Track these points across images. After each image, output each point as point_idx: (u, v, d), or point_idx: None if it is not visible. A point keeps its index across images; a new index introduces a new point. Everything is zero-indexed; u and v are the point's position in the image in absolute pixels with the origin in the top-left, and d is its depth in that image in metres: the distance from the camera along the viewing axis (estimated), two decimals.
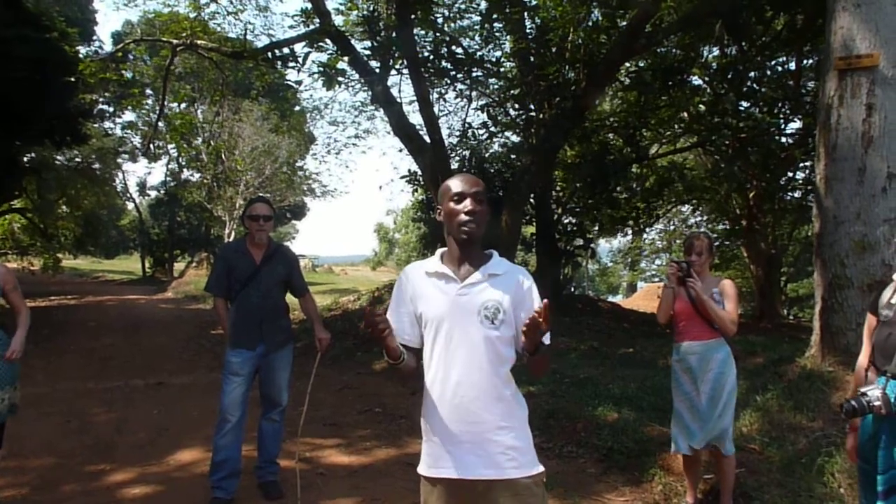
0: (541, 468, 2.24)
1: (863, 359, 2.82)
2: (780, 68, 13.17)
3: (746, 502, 4.19)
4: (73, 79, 13.44)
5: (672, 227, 22.61)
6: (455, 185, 2.26)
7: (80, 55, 15.82)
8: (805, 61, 12.45)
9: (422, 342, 2.30)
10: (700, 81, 13.39)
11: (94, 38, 24.41)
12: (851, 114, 5.84)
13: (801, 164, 13.65)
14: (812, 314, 6.51)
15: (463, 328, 2.18)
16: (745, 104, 12.42)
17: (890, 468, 2.52)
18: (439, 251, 2.36)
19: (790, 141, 13.02)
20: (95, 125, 25.06)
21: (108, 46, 29.25)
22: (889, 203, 5.69)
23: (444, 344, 2.21)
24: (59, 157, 24.78)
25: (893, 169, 5.68)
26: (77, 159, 26.48)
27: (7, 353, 3.71)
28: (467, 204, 2.21)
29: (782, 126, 13.01)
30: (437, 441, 2.22)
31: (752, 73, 12.61)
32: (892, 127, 5.70)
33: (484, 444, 2.17)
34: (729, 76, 12.13)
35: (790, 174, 14.57)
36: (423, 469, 2.29)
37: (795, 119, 12.99)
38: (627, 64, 12.11)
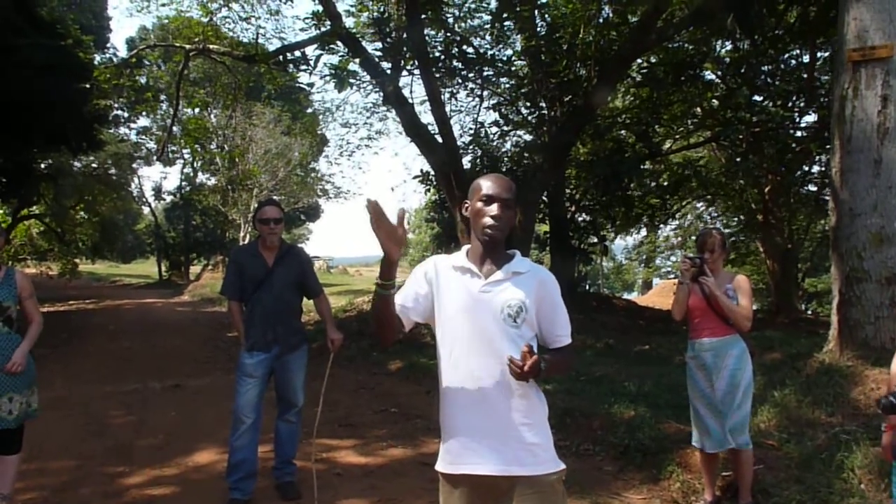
0: (562, 465, 2.23)
1: None
2: (793, 61, 13.08)
3: (765, 499, 4.15)
4: (87, 85, 13.57)
5: (687, 224, 22.50)
6: (486, 186, 2.25)
7: (95, 62, 15.98)
8: (819, 54, 12.33)
9: (416, 319, 2.30)
10: (713, 76, 13.31)
11: (109, 44, 24.70)
12: (866, 105, 5.79)
13: (817, 158, 13.53)
14: (830, 309, 6.46)
15: (485, 325, 2.18)
16: (758, 98, 12.34)
17: None
18: (465, 247, 2.36)
19: (805, 134, 12.91)
20: (111, 131, 25.32)
21: (123, 53, 29.54)
22: None
23: (466, 341, 2.20)
24: (75, 163, 25.04)
25: None
26: (93, 165, 26.77)
27: (7, 365, 3.72)
28: (494, 209, 2.21)
29: (797, 119, 12.92)
30: (459, 438, 2.20)
31: (765, 67, 12.53)
32: None
33: (507, 440, 2.16)
34: (742, 70, 12.06)
35: (805, 168, 14.47)
36: (442, 466, 2.26)
37: (810, 112, 12.88)
38: (639, 60, 12.04)
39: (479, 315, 2.19)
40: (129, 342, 12.31)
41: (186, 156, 30.96)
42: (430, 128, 11.53)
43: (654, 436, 5.27)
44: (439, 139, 11.00)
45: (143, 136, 30.38)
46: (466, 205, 2.30)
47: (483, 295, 2.21)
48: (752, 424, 4.51)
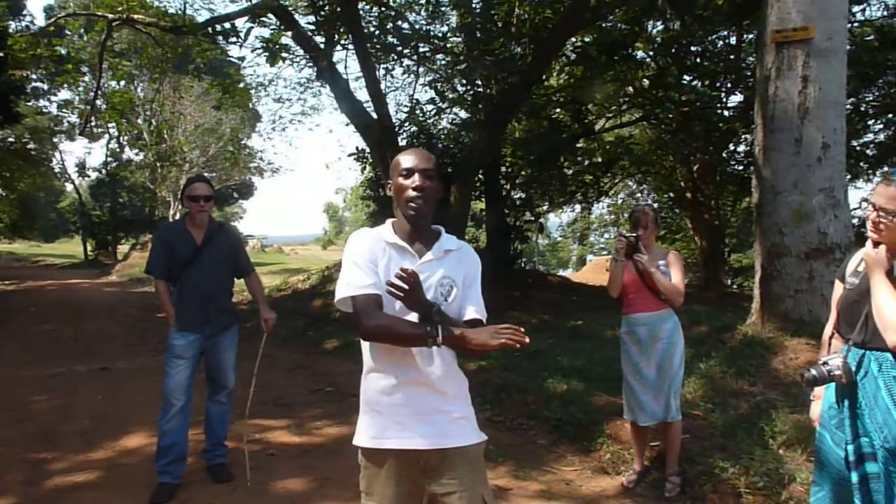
0: (485, 437, 2.28)
1: (828, 327, 2.81)
2: (720, 42, 13.39)
3: (691, 467, 4.30)
4: (1, 54, 12.85)
5: (620, 201, 22.95)
6: (405, 160, 2.23)
7: (10, 30, 15.14)
8: (745, 35, 12.67)
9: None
10: (644, 56, 13.52)
11: (25, 12, 23.44)
12: (788, 85, 5.98)
13: (743, 137, 13.95)
14: (753, 283, 6.70)
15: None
16: (688, 78, 12.61)
17: (857, 437, 2.53)
18: (389, 221, 2.31)
19: (732, 114, 13.27)
20: (29, 103, 24.11)
21: (41, 21, 28.11)
22: (824, 172, 5.87)
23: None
24: None
25: (828, 139, 5.86)
26: (10, 139, 25.46)
27: None
28: (415, 180, 2.19)
29: (724, 99, 13.25)
30: (386, 414, 2.18)
31: (694, 48, 12.80)
32: (827, 98, 5.87)
33: (436, 414, 2.17)
34: (672, 50, 12.28)
35: (732, 147, 14.90)
36: (365, 441, 2.22)
37: (736, 92, 13.25)
38: (573, 39, 12.13)
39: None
40: (52, 324, 11.85)
41: (112, 130, 29.78)
42: (365, 105, 11.38)
43: (586, 409, 5.41)
44: (374, 116, 10.87)
45: (65, 110, 29.04)
46: (389, 184, 2.28)
47: (419, 274, 2.18)
48: (681, 396, 4.66)
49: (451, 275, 2.23)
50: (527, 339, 2.01)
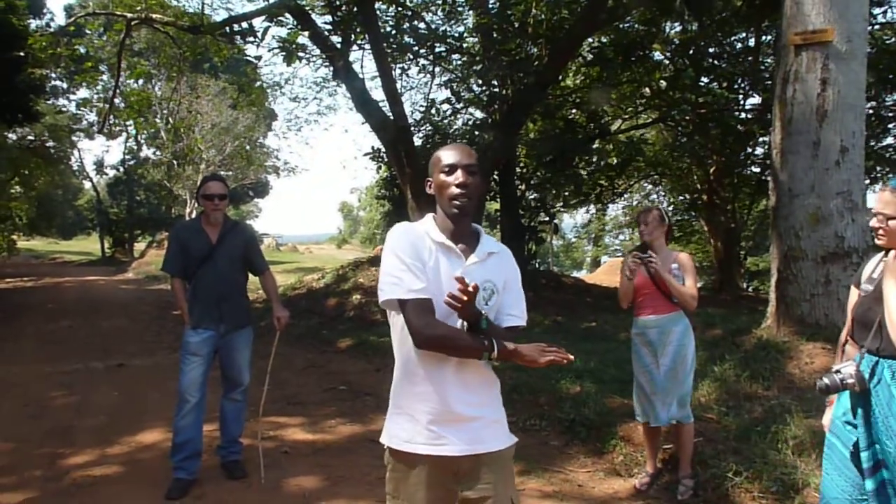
0: (515, 438, 2.26)
1: (843, 333, 2.80)
2: (739, 44, 13.32)
3: (704, 470, 4.29)
4: (21, 53, 12.99)
5: (635, 203, 22.86)
6: (446, 155, 2.17)
7: (30, 29, 15.30)
8: (763, 37, 12.59)
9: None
10: (661, 57, 13.47)
11: (45, 10, 23.68)
12: (806, 88, 5.94)
13: (760, 140, 13.86)
14: (769, 287, 6.66)
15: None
16: (705, 80, 12.55)
17: (871, 444, 2.52)
18: (430, 216, 2.25)
19: (749, 116, 13.20)
20: (48, 102, 24.36)
21: (61, 20, 28.41)
22: (842, 176, 5.83)
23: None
24: (9, 135, 24.04)
25: (846, 142, 5.81)
26: (29, 137, 25.74)
27: None
28: (458, 176, 2.12)
29: (741, 101, 13.19)
30: (419, 418, 2.12)
31: (711, 49, 12.73)
32: (846, 101, 5.82)
33: (471, 420, 2.13)
34: (689, 52, 12.23)
35: (749, 149, 14.81)
36: (395, 443, 2.17)
37: (754, 94, 13.17)
38: (589, 39, 12.11)
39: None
40: (69, 321, 11.96)
41: (130, 129, 30.02)
42: (380, 104, 11.41)
43: (599, 410, 5.40)
44: (390, 116, 10.90)
45: (84, 108, 29.29)
46: (429, 181, 2.22)
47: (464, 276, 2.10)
48: (693, 398, 4.64)
49: (493, 279, 2.17)
50: (571, 357, 2.03)
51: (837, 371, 2.57)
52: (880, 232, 2.52)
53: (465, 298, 1.95)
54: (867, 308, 2.59)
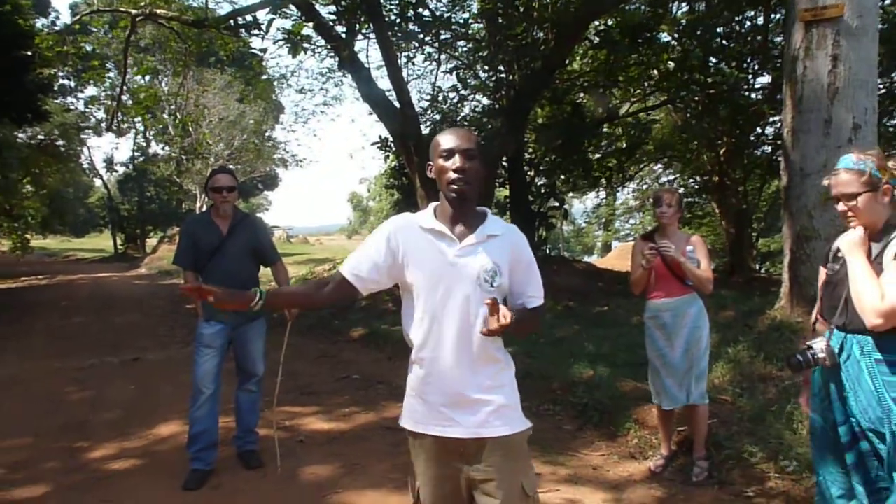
0: (529, 424, 2.25)
1: (814, 312, 2.87)
2: (748, 23, 13.15)
3: (719, 451, 4.28)
4: (28, 53, 13.04)
5: (645, 186, 22.71)
6: (445, 140, 2.17)
7: (36, 28, 15.34)
8: (773, 15, 12.43)
9: (371, 287, 2.26)
10: (669, 38, 13.34)
11: (50, 9, 23.72)
12: (817, 65, 5.87)
13: (771, 120, 13.72)
14: (782, 268, 6.61)
15: (461, 291, 2.13)
16: (713, 60, 12.41)
17: (847, 419, 2.56)
18: (432, 205, 2.27)
19: (759, 96, 13.05)
20: (56, 100, 24.45)
21: (66, 18, 28.44)
22: None
23: (440, 305, 2.15)
24: (20, 135, 24.17)
25: (859, 119, 5.74)
26: (39, 136, 25.87)
27: None
28: (456, 161, 2.13)
29: (751, 81, 13.03)
30: (428, 401, 2.19)
31: (720, 29, 12.59)
32: (857, 77, 5.75)
33: (477, 404, 2.15)
34: (697, 32, 12.10)
35: (759, 129, 14.66)
36: (409, 424, 2.26)
37: (764, 74, 13.01)
38: (596, 22, 12.00)
39: (455, 281, 2.14)
40: (84, 317, 12.06)
41: (138, 125, 30.11)
42: (387, 93, 11.38)
43: (612, 394, 5.39)
44: (396, 104, 10.87)
45: (92, 106, 29.38)
46: (430, 166, 2.23)
47: (459, 260, 2.15)
48: (708, 381, 4.62)
49: (496, 260, 2.16)
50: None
51: (809, 347, 2.64)
52: (850, 214, 2.54)
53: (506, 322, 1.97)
54: (835, 286, 2.64)
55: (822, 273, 2.80)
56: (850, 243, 2.53)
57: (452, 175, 2.13)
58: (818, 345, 2.61)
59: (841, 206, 2.56)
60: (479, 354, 2.15)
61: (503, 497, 2.13)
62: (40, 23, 19.74)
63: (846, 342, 2.56)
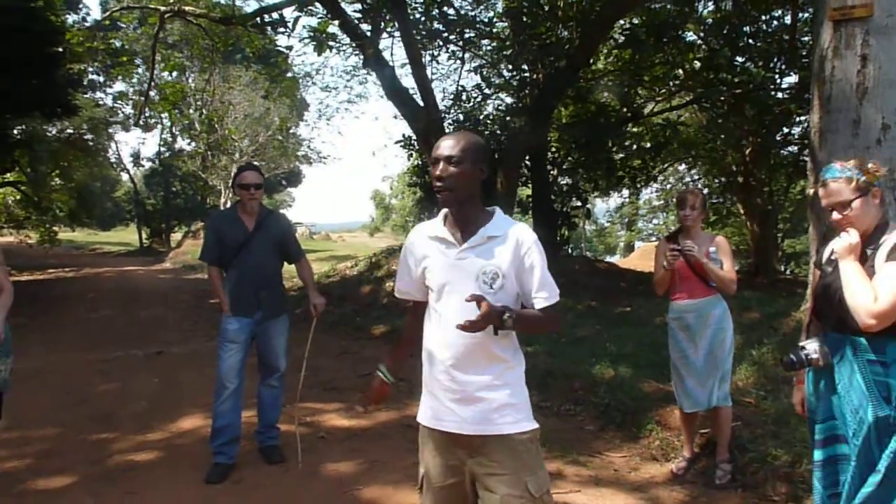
0: (535, 425, 2.27)
1: (808, 313, 2.88)
2: (775, 22, 13.00)
3: (742, 454, 4.24)
4: (59, 49, 13.24)
5: (669, 186, 22.55)
6: (436, 147, 2.26)
7: (67, 24, 15.57)
8: (800, 14, 12.27)
9: (418, 297, 2.43)
10: (695, 37, 13.23)
11: (81, 6, 24.06)
12: (846, 65, 5.77)
13: (797, 120, 13.55)
14: (807, 269, 6.53)
15: (461, 292, 2.16)
16: (740, 59, 12.29)
17: (828, 418, 2.60)
18: (442, 212, 2.34)
19: (786, 96, 12.90)
20: (86, 95, 24.78)
21: (97, 14, 28.82)
22: (884, 154, 5.65)
23: (443, 307, 2.25)
24: (50, 129, 24.55)
25: (888, 120, 5.64)
26: (69, 130, 26.25)
27: None
28: (438, 168, 2.21)
29: (778, 81, 12.88)
30: (435, 395, 2.29)
31: (746, 28, 12.46)
32: (887, 77, 5.64)
33: (477, 401, 2.21)
34: (724, 31, 11.98)
35: (786, 129, 14.50)
36: (421, 418, 2.37)
37: (791, 73, 12.86)
38: (621, 21, 11.94)
39: (459, 282, 2.20)
40: (109, 310, 12.23)
41: (165, 121, 30.45)
42: (410, 91, 11.41)
43: (634, 395, 5.36)
44: (420, 103, 10.89)
45: (120, 101, 29.75)
46: None
47: (459, 262, 2.22)
48: (731, 383, 4.59)
49: (495, 262, 2.19)
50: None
51: (802, 348, 2.66)
52: (844, 223, 2.56)
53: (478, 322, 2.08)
54: (828, 287, 2.65)
55: (816, 274, 2.84)
56: (843, 246, 2.55)
57: (435, 183, 2.22)
58: (811, 345, 2.63)
59: (835, 216, 2.58)
60: (482, 354, 2.21)
61: (503, 493, 2.16)
62: (71, 19, 20.02)
63: (840, 343, 2.58)
